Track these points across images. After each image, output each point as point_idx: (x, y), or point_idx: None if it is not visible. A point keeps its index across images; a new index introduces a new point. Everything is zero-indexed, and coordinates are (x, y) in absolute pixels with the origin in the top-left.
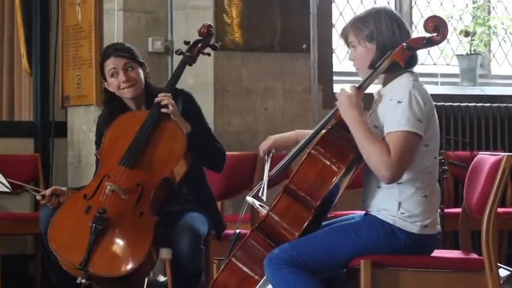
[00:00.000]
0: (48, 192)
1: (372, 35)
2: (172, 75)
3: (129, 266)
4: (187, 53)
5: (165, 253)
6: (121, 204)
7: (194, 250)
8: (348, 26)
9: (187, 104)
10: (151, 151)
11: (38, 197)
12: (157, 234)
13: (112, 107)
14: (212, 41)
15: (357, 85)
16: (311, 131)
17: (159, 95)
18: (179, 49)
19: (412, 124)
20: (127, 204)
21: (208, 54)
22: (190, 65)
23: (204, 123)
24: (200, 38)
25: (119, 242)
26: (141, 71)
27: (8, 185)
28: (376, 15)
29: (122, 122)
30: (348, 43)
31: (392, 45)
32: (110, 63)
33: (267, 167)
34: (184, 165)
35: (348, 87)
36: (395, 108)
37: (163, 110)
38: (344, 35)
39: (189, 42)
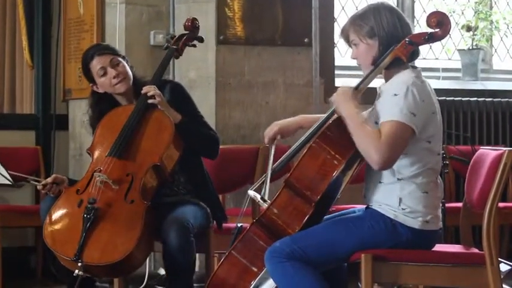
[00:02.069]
0: (49, 180)
1: (373, 31)
2: (158, 67)
3: (121, 253)
4: (173, 46)
5: (156, 246)
6: (111, 193)
7: (182, 243)
8: (347, 24)
9: (175, 94)
10: (139, 141)
11: (39, 187)
12: (150, 221)
13: (101, 108)
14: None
15: (354, 85)
16: (315, 116)
17: (144, 87)
18: (166, 44)
19: (404, 115)
20: (117, 193)
21: (194, 46)
22: (177, 57)
23: (194, 111)
24: (185, 31)
25: (111, 230)
26: (126, 65)
27: (9, 177)
28: (376, 10)
29: (111, 117)
30: (349, 42)
31: (394, 40)
32: (96, 64)
33: (271, 156)
34: (175, 152)
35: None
36: (390, 101)
37: (150, 101)
38: (344, 34)
39: (175, 36)
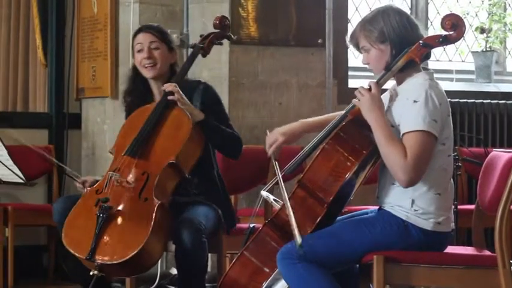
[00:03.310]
0: (87, 184)
1: (384, 35)
2: (183, 65)
3: (132, 249)
4: (200, 44)
5: (168, 246)
6: (126, 192)
7: (194, 243)
8: (356, 30)
9: (207, 95)
10: (156, 139)
11: (79, 185)
12: (165, 219)
13: (135, 85)
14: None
15: (375, 80)
16: (315, 119)
17: (165, 84)
18: (194, 43)
19: (428, 123)
20: (132, 191)
21: (221, 44)
22: (204, 55)
23: (222, 113)
24: (214, 30)
25: (123, 228)
26: (168, 55)
27: (22, 176)
28: (384, 13)
29: (134, 117)
30: (359, 48)
31: (406, 42)
32: (138, 39)
33: (277, 168)
34: (194, 151)
35: (366, 85)
36: (411, 108)
37: (170, 97)
38: (354, 40)
39: (203, 35)
